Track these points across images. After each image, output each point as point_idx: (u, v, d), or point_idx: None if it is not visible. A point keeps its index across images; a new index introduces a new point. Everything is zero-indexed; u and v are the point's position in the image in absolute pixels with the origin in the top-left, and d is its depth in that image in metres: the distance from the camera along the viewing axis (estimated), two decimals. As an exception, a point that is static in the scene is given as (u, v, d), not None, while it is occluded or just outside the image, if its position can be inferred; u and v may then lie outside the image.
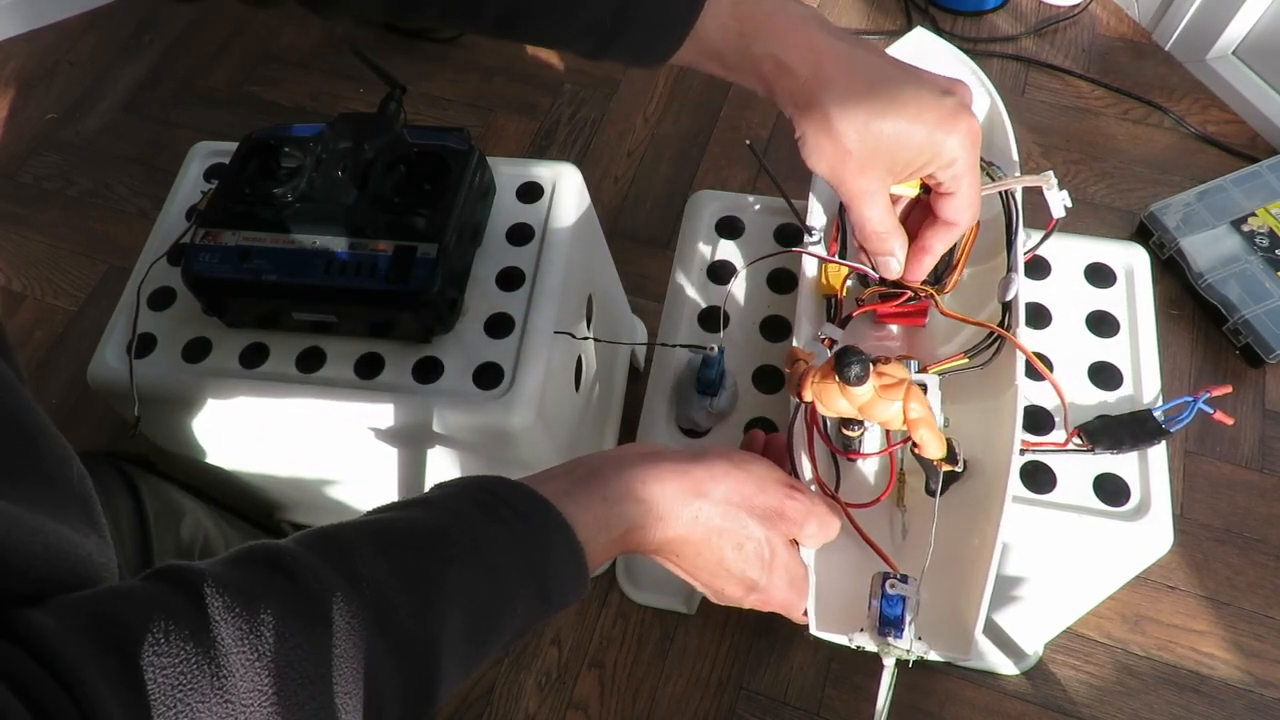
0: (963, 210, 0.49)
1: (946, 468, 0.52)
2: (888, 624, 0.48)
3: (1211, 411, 0.55)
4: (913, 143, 0.44)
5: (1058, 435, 0.61)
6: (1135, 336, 0.65)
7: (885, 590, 0.48)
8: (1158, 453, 0.59)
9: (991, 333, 0.54)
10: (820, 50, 0.43)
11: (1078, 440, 0.58)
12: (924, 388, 0.52)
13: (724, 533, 0.46)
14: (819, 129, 0.44)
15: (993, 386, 0.54)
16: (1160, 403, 0.61)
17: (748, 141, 0.57)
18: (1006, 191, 0.57)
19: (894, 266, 0.51)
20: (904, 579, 0.48)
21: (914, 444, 0.50)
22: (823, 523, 0.50)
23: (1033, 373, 0.62)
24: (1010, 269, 0.55)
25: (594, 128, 1.42)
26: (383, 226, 0.67)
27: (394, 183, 0.69)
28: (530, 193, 0.77)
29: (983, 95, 0.63)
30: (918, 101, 0.44)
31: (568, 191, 0.77)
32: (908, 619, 0.48)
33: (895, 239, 0.50)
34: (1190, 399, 0.55)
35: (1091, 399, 0.63)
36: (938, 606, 0.49)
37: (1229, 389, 0.56)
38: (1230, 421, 0.55)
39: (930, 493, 0.54)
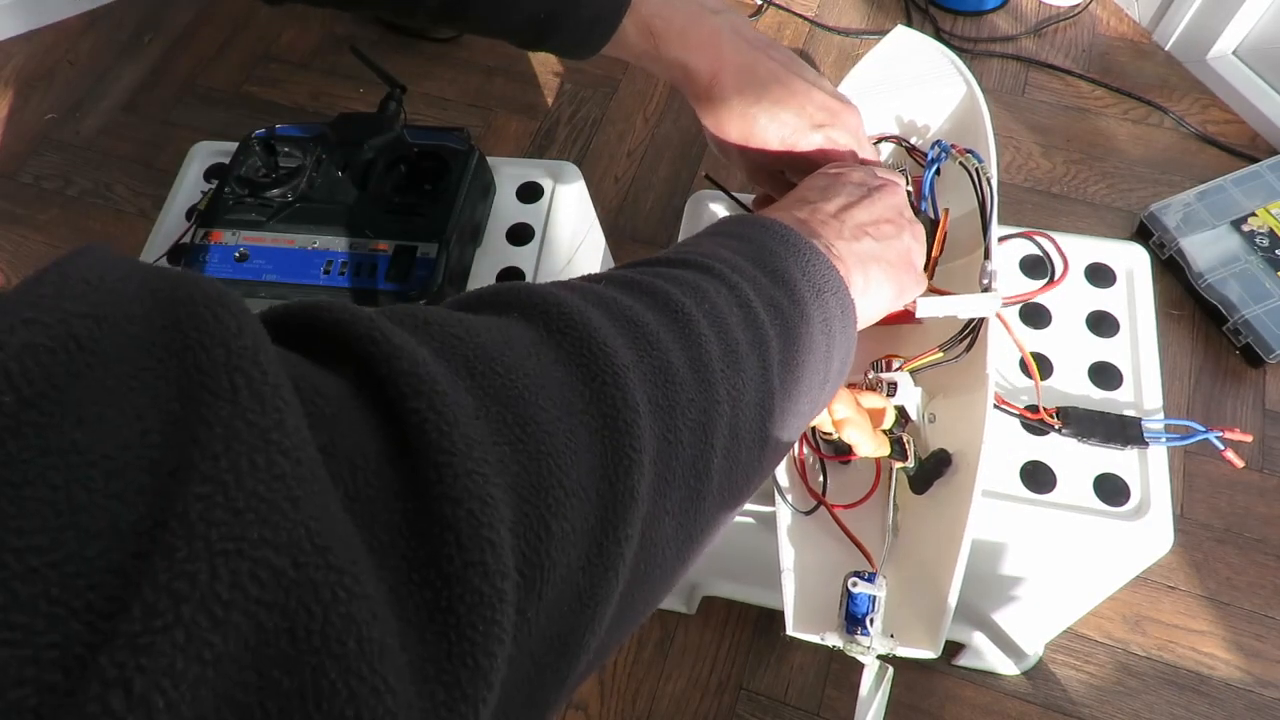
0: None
1: (898, 464, 0.53)
2: (854, 622, 0.48)
3: (1222, 448, 0.56)
4: (783, 118, 0.50)
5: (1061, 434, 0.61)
6: (1135, 336, 0.65)
7: (849, 588, 0.48)
8: (1158, 453, 0.59)
9: (965, 325, 0.54)
10: (722, 59, 0.49)
11: (1051, 418, 0.59)
12: (895, 385, 0.52)
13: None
14: (712, 122, 0.51)
15: (973, 380, 0.54)
16: (1162, 413, 0.61)
17: (705, 174, 0.61)
18: (984, 179, 0.57)
19: None
20: (869, 577, 0.48)
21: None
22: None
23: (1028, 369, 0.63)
24: (986, 256, 0.55)
25: (594, 128, 1.42)
26: (383, 226, 0.67)
27: (394, 183, 0.69)
28: (530, 193, 0.77)
29: (961, 86, 0.63)
30: (790, 89, 0.50)
31: (568, 191, 0.77)
32: (873, 617, 0.48)
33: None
34: (1202, 429, 0.56)
35: (1091, 399, 0.63)
36: (920, 604, 0.50)
37: (1249, 438, 0.57)
38: (1240, 464, 0.55)
39: (915, 491, 0.54)
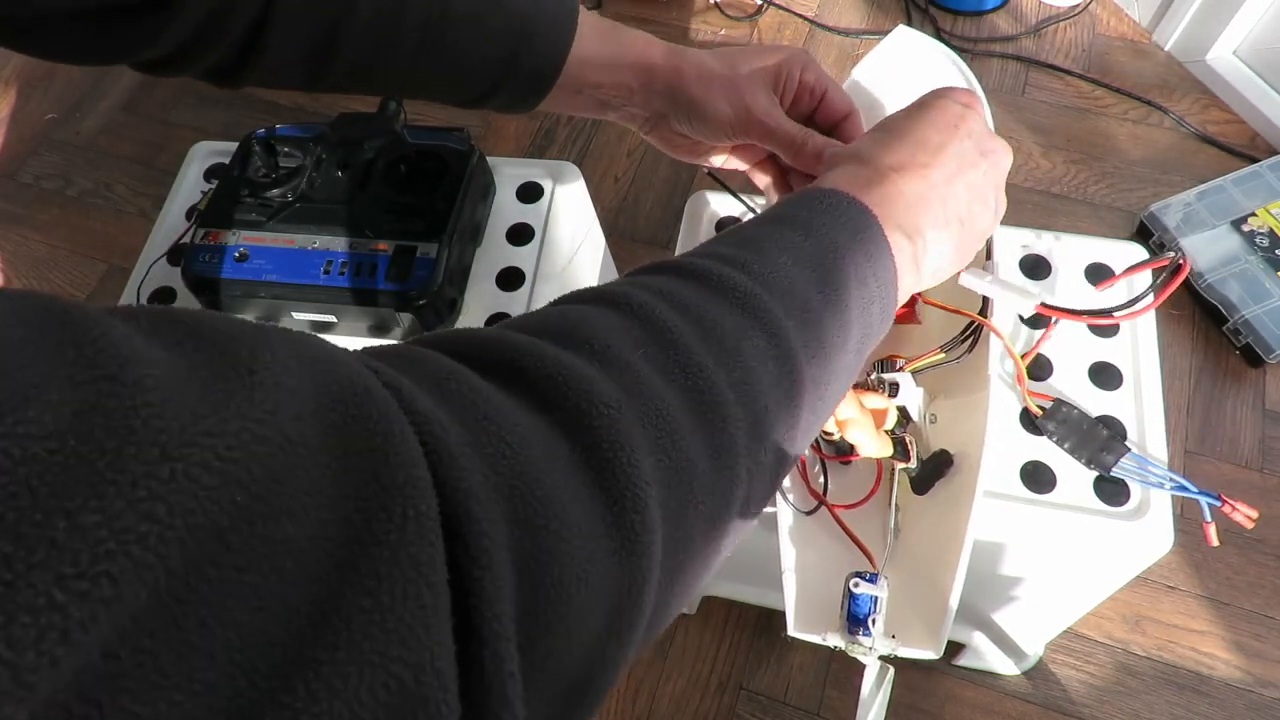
0: (841, 96, 0.52)
1: (900, 465, 0.53)
2: (855, 622, 0.48)
3: (1208, 519, 0.55)
4: (749, 57, 0.50)
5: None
6: (1135, 337, 0.65)
7: (850, 589, 0.48)
8: (1158, 453, 0.60)
9: (966, 326, 0.54)
10: (652, 60, 0.50)
11: (1040, 407, 0.59)
12: (897, 386, 0.52)
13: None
14: (695, 102, 0.50)
15: (975, 381, 0.54)
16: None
17: (707, 170, 0.58)
18: None
19: (817, 141, 0.51)
20: (871, 578, 0.49)
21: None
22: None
23: (1032, 371, 0.63)
24: (988, 256, 0.55)
25: (594, 127, 1.42)
26: (383, 226, 0.67)
27: (394, 183, 0.69)
28: (530, 193, 0.77)
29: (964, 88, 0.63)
30: (739, 49, 0.51)
31: (568, 191, 0.77)
32: (874, 617, 0.48)
33: (808, 132, 0.50)
34: (1202, 493, 0.55)
35: (1092, 399, 0.63)
36: (921, 604, 0.50)
37: (1250, 522, 0.55)
38: (1215, 543, 0.55)
39: (917, 491, 0.54)
